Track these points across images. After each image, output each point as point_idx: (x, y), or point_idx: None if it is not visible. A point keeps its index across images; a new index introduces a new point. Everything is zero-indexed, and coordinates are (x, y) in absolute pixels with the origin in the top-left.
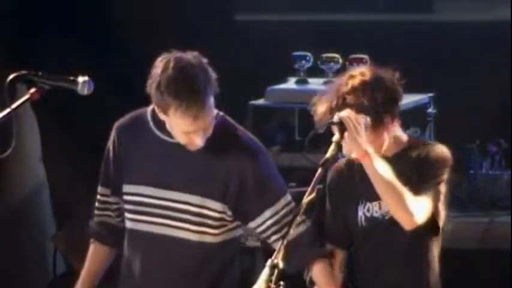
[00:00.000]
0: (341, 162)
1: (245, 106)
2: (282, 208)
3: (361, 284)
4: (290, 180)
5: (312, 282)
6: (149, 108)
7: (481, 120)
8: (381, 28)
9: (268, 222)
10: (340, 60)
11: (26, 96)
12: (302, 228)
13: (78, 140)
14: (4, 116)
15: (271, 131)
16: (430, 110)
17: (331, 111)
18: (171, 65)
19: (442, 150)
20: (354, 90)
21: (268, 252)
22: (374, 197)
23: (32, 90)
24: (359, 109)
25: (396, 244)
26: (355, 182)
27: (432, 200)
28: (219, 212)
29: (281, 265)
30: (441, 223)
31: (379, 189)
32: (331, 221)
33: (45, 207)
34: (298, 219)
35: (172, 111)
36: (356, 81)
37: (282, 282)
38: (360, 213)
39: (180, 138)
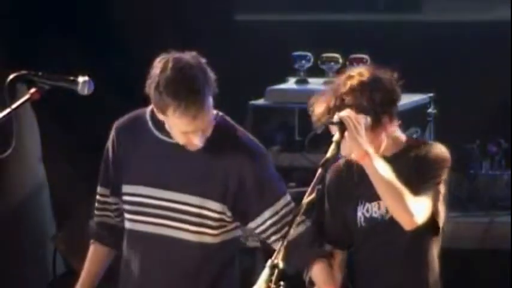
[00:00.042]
0: (340, 162)
1: (245, 106)
2: (282, 208)
3: (361, 284)
4: (290, 180)
5: (312, 283)
6: (148, 109)
7: (481, 120)
8: (381, 28)
9: (268, 223)
10: (340, 60)
11: (26, 96)
12: (302, 228)
13: (78, 140)
14: (4, 116)
15: (271, 131)
16: (430, 110)
17: (329, 111)
18: (170, 65)
19: (440, 150)
20: (352, 90)
21: (268, 252)
22: (373, 197)
23: (32, 90)
24: (358, 109)
25: (396, 244)
26: (354, 183)
27: (432, 200)
28: (219, 213)
29: (281, 265)
30: (441, 223)
31: (379, 189)
32: (331, 221)
33: (45, 207)
34: (298, 219)
35: (171, 111)
36: (354, 82)
37: (282, 283)
38: (359, 213)
39: (179, 138)
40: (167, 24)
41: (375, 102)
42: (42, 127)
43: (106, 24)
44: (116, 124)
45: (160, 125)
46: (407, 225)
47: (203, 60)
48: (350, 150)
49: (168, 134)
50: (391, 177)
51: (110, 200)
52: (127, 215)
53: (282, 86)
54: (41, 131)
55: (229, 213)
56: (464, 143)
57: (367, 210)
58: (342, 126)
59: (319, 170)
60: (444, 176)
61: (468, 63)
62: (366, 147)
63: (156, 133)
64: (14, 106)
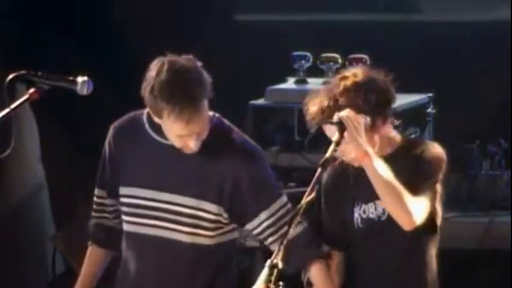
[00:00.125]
0: (336, 163)
1: (245, 106)
2: (278, 210)
3: (360, 285)
4: (290, 180)
5: (310, 283)
6: (145, 110)
7: (481, 120)
8: (381, 28)
9: (265, 224)
10: (340, 60)
11: (25, 96)
12: (299, 229)
13: (78, 140)
14: (3, 116)
15: (271, 131)
16: (429, 110)
17: (323, 112)
18: (165, 68)
19: (436, 149)
20: (346, 91)
21: (267, 252)
22: (369, 198)
23: (31, 90)
24: (352, 110)
25: (394, 244)
26: (350, 184)
27: (430, 200)
28: (215, 214)
29: (280, 265)
30: (439, 222)
31: (379, 189)
32: (328, 221)
33: (45, 207)
34: (297, 219)
35: (165, 115)
36: (348, 83)
37: (281, 283)
38: (356, 215)
39: (174, 141)
40: (167, 24)
41: (370, 103)
42: (41, 127)
43: (106, 24)
44: (113, 125)
45: (157, 127)
46: (406, 226)
47: (199, 64)
48: (348, 151)
49: (165, 136)
50: (390, 177)
51: (107, 201)
52: (124, 217)
53: (282, 86)
54: (40, 131)
55: (225, 215)
56: (464, 143)
57: (364, 212)
58: (342, 126)
59: (319, 170)
60: (441, 175)
61: (468, 63)
62: (365, 147)
63: (153, 135)
64: (13, 106)
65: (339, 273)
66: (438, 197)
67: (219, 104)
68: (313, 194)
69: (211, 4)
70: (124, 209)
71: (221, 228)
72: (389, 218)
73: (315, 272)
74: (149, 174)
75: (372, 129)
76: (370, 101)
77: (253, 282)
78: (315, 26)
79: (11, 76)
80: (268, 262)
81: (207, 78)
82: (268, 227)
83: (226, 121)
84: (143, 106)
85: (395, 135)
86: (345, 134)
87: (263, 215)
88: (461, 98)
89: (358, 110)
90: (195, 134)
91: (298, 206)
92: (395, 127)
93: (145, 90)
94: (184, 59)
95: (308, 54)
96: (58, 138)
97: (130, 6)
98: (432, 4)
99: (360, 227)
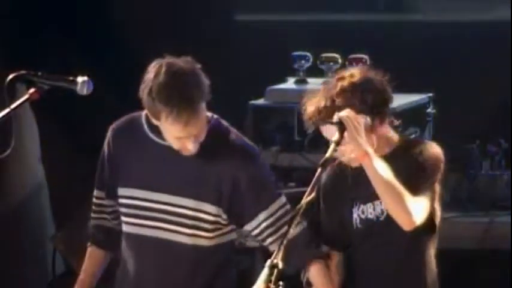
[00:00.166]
0: (334, 164)
1: (245, 106)
2: (277, 210)
3: (359, 285)
4: (290, 180)
5: (309, 284)
6: (144, 111)
7: (481, 120)
8: (381, 28)
9: (263, 225)
10: (340, 61)
11: (25, 96)
12: (299, 228)
13: (77, 140)
14: (3, 116)
15: (271, 131)
16: (429, 110)
17: (320, 112)
18: (163, 70)
19: (434, 149)
20: (343, 91)
21: (268, 252)
22: (368, 198)
23: (31, 90)
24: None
25: (393, 244)
26: (348, 184)
27: (429, 200)
28: (214, 215)
29: (280, 265)
30: (438, 222)
31: (379, 189)
32: (327, 222)
33: (45, 207)
34: (297, 219)
35: (163, 117)
36: (345, 83)
37: (281, 283)
38: (355, 215)
39: (172, 143)
40: (167, 24)
41: (366, 103)
42: (41, 127)
43: (106, 24)
44: (112, 126)
45: (155, 128)
46: (406, 226)
47: (197, 66)
48: (347, 151)
49: (163, 137)
50: (390, 177)
51: (105, 202)
52: (123, 218)
53: (282, 86)
54: (40, 131)
55: (224, 216)
56: (464, 143)
57: (363, 212)
58: (342, 126)
59: (319, 170)
60: (439, 175)
61: (468, 63)
62: (365, 147)
63: (152, 136)
64: (13, 106)
65: (338, 274)
66: (437, 196)
67: (219, 104)
68: (313, 194)
69: (211, 4)
70: (123, 210)
71: (220, 229)
72: (388, 218)
73: (314, 273)
74: (148, 175)
75: (369, 129)
76: (367, 101)
77: (253, 282)
78: (315, 26)
79: (11, 76)
80: (269, 262)
81: (205, 80)
82: (267, 227)
83: (224, 122)
84: (143, 107)
85: (393, 135)
86: (345, 134)
87: (262, 216)
88: (461, 98)
89: (355, 111)
90: (192, 136)
91: (298, 206)
92: (396, 127)
93: (143, 92)
94: (183, 61)
95: (308, 54)
96: (58, 138)
97: (131, 6)
98: (432, 4)
99: (359, 227)
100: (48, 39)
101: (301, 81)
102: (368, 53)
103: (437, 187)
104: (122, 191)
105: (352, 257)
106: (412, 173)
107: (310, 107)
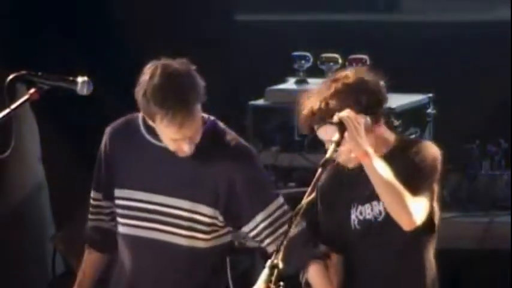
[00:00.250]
0: (332, 165)
1: (245, 106)
2: (275, 211)
3: (358, 286)
4: (289, 180)
5: (308, 284)
6: (141, 113)
7: (481, 120)
8: (381, 28)
9: (261, 226)
10: (340, 61)
11: (26, 97)
12: (298, 228)
13: (78, 140)
14: (4, 116)
15: (271, 131)
16: (429, 110)
17: (314, 114)
18: (158, 72)
19: (432, 149)
20: (337, 93)
21: (267, 253)
22: (365, 199)
23: (32, 90)
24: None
25: (391, 245)
26: (346, 186)
27: (428, 200)
28: (210, 217)
29: (281, 265)
30: (437, 222)
31: (379, 189)
32: (325, 222)
33: (45, 207)
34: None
35: (158, 119)
36: (339, 85)
37: (281, 283)
38: (353, 216)
39: (168, 144)
40: (167, 24)
41: (361, 104)
42: (41, 127)
43: (106, 24)
44: (109, 128)
45: (152, 129)
46: (407, 226)
47: (192, 67)
48: (346, 152)
49: (160, 139)
50: (390, 177)
51: (103, 203)
52: (119, 219)
53: (282, 86)
54: (40, 131)
55: (221, 218)
56: (464, 143)
57: (361, 213)
58: (342, 126)
59: (319, 170)
60: (438, 174)
61: (468, 63)
62: (365, 147)
63: (148, 137)
64: (13, 106)
65: (337, 274)
66: (435, 196)
67: (219, 105)
68: (313, 194)
69: (211, 4)
70: (119, 211)
71: (217, 231)
72: (386, 219)
73: (313, 273)
74: (144, 176)
75: (368, 129)
76: (361, 102)
77: (253, 282)
78: (315, 26)
79: (11, 76)
80: (269, 262)
81: (201, 81)
82: (265, 228)
83: (220, 123)
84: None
85: (389, 136)
86: (345, 134)
87: (259, 217)
88: (461, 98)
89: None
90: (188, 137)
91: (299, 206)
92: (395, 127)
93: (139, 94)
94: (178, 63)
95: (308, 54)
96: (58, 138)
97: (131, 6)
98: (432, 4)
99: (357, 228)
100: (48, 39)
101: (301, 82)
102: (368, 53)
103: (436, 187)
104: (118, 192)
105: (351, 257)
106: (410, 173)
107: (304, 110)
